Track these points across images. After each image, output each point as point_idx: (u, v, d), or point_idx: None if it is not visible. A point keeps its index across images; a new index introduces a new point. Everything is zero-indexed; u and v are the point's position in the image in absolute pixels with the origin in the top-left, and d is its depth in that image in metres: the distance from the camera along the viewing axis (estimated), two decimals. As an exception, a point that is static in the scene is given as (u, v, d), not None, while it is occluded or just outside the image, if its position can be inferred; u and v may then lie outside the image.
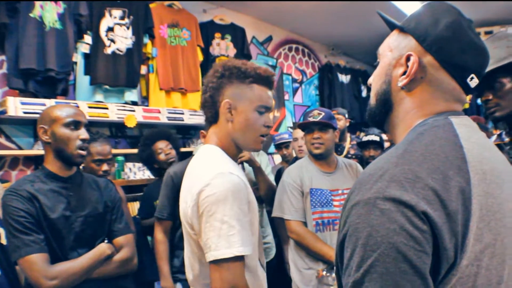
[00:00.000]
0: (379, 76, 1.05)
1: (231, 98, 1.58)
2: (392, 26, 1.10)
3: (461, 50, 0.95)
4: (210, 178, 1.43)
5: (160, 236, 2.76)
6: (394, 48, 1.03)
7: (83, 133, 1.99)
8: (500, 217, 0.83)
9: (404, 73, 0.98)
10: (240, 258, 1.39)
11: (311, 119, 2.76)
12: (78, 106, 3.32)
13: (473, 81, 0.97)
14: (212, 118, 1.63)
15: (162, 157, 3.24)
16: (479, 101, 6.52)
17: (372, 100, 1.07)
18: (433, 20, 0.97)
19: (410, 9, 5.35)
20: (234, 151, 1.64)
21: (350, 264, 0.78)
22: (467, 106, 5.89)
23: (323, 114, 2.77)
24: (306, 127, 2.82)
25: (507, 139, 2.01)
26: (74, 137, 1.97)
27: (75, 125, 1.99)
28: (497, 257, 0.81)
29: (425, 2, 1.06)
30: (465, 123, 0.94)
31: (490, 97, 1.87)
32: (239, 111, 1.58)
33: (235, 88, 1.58)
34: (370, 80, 1.11)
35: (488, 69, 1.79)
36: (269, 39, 6.07)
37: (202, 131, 2.93)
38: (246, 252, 1.39)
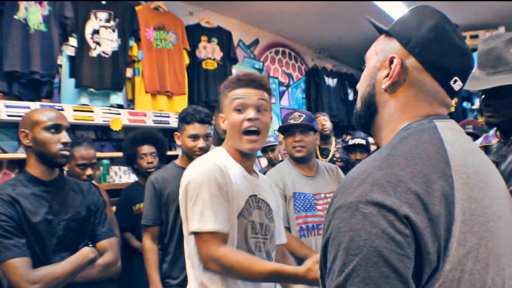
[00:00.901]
0: (365, 79, 1.05)
1: (225, 110, 1.75)
2: (380, 32, 1.09)
3: (444, 53, 0.95)
4: (190, 166, 1.71)
5: (148, 244, 2.69)
6: (380, 52, 1.02)
7: (64, 137, 1.97)
8: (484, 221, 0.83)
9: (388, 75, 0.98)
10: (213, 233, 1.57)
11: (292, 122, 2.71)
12: (63, 109, 3.30)
13: (457, 84, 0.96)
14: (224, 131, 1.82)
15: (144, 163, 3.22)
16: (465, 104, 6.59)
17: (358, 103, 1.07)
18: (417, 23, 0.97)
19: (395, 12, 5.39)
20: (239, 154, 1.75)
21: (333, 268, 0.78)
22: (452, 109, 5.93)
23: (304, 116, 2.72)
24: (287, 129, 2.75)
25: (494, 141, 2.03)
26: (55, 140, 1.95)
27: (56, 128, 1.96)
28: (480, 261, 0.81)
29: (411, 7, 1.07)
30: (450, 127, 0.94)
31: (492, 102, 1.87)
32: (226, 119, 1.73)
33: (223, 100, 1.76)
34: (358, 85, 1.11)
35: (501, 82, 1.79)
36: (256, 42, 6.08)
37: (176, 133, 2.80)
38: (217, 229, 1.56)
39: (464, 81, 0.98)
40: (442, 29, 0.96)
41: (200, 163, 1.69)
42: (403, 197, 0.75)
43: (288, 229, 2.61)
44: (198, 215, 1.58)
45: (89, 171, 2.85)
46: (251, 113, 1.67)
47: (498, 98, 1.85)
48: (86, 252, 1.99)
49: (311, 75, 7.08)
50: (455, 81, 0.96)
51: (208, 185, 1.59)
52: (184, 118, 2.65)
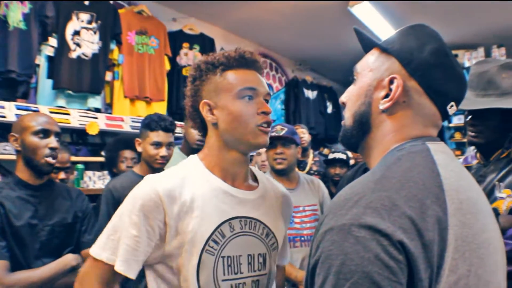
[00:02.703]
0: (358, 96, 1.02)
1: (207, 97, 1.32)
2: (369, 45, 1.07)
3: (445, 77, 0.95)
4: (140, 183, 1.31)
5: None
6: (375, 69, 1.00)
7: (52, 142, 1.96)
8: (475, 247, 0.82)
9: (387, 95, 0.96)
10: (107, 267, 1.22)
11: (274, 134, 2.71)
12: (38, 110, 3.22)
13: (452, 109, 0.97)
14: (202, 128, 1.39)
15: (123, 166, 3.19)
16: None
17: (348, 121, 1.04)
18: (419, 44, 0.96)
19: (377, 26, 5.45)
20: (226, 160, 1.34)
21: None
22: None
23: (286, 129, 2.74)
24: (269, 142, 2.75)
25: (474, 162, 2.04)
26: (43, 145, 1.94)
27: (44, 133, 1.96)
28: None
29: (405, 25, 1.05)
30: (442, 150, 0.93)
31: (477, 123, 1.89)
32: (220, 108, 1.30)
33: (209, 85, 1.33)
34: (343, 99, 1.08)
35: (490, 104, 1.80)
36: (238, 51, 6.05)
37: (138, 139, 2.70)
38: (116, 268, 1.20)
39: (458, 105, 0.98)
40: (444, 53, 0.96)
41: (143, 185, 1.27)
42: (398, 222, 0.74)
43: None
44: (104, 238, 1.26)
45: (62, 175, 2.81)
46: (265, 105, 1.32)
47: (484, 120, 1.87)
48: (68, 259, 1.96)
49: (291, 86, 7.07)
50: (451, 106, 0.96)
51: (131, 210, 1.23)
52: (148, 125, 2.59)
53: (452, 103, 0.96)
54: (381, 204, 0.76)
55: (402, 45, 0.98)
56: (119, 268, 1.20)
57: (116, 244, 1.22)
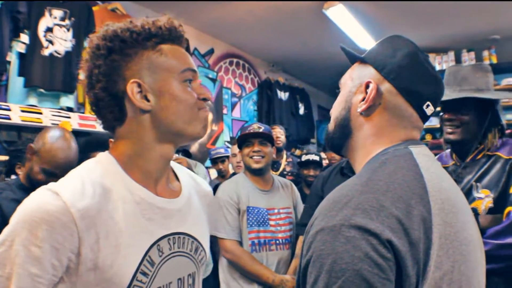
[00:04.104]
0: (339, 103, 1.11)
1: (138, 76, 1.05)
2: (354, 59, 1.15)
3: (417, 78, 1.02)
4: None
5: None
6: (355, 77, 1.09)
7: None
8: (457, 245, 0.86)
9: (364, 99, 1.03)
10: None
11: (251, 131, 2.71)
12: (9, 109, 3.12)
13: (429, 109, 1.03)
14: (115, 120, 1.08)
15: None
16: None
17: (331, 126, 1.13)
18: (392, 51, 1.05)
19: (350, 28, 5.50)
20: (154, 158, 1.09)
21: None
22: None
23: (263, 127, 2.74)
24: (245, 140, 2.74)
25: (450, 162, 2.08)
26: None
27: None
28: (454, 283, 0.84)
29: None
30: (424, 153, 0.99)
31: (454, 117, 1.95)
32: (157, 91, 1.06)
33: (139, 62, 1.06)
34: (331, 110, 1.16)
35: (466, 94, 1.89)
36: (211, 51, 6.02)
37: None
38: None
39: (435, 106, 1.04)
40: (415, 56, 1.03)
41: (44, 201, 0.90)
42: (386, 222, 0.79)
43: (240, 243, 2.61)
44: None
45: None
46: (206, 91, 1.13)
47: (460, 114, 1.94)
48: None
49: (264, 87, 7.09)
50: (428, 105, 1.02)
51: (26, 251, 0.88)
52: None
53: (428, 102, 1.02)
54: (369, 206, 0.81)
55: (377, 54, 1.07)
56: None
57: (5, 283, 0.88)
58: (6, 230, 0.90)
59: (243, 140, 2.75)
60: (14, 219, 0.91)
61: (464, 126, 1.94)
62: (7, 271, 0.88)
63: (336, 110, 1.11)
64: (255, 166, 2.69)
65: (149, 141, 1.07)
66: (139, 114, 1.06)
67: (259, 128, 2.73)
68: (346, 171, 2.44)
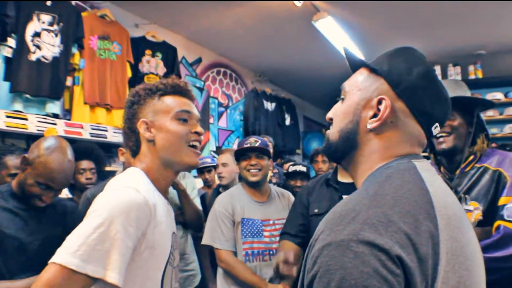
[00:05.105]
0: (345, 114, 1.06)
1: (145, 117, 1.47)
2: (357, 64, 1.12)
3: (431, 100, 1.00)
4: (109, 189, 1.32)
5: None
6: (364, 89, 1.05)
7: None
8: (463, 260, 0.86)
9: (375, 115, 1.01)
10: (88, 280, 1.15)
11: (248, 145, 2.76)
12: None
13: (436, 129, 1.02)
14: (135, 146, 1.50)
15: (82, 179, 3.10)
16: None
17: (334, 136, 1.09)
18: (407, 67, 1.02)
19: (337, 39, 5.52)
20: (165, 176, 1.47)
21: None
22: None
23: (259, 141, 2.79)
24: (243, 153, 2.78)
25: (439, 175, 2.09)
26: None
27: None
28: None
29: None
30: (427, 168, 0.98)
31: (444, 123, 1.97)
32: (158, 127, 1.45)
33: (147, 107, 1.48)
34: (330, 115, 1.13)
35: (453, 95, 1.89)
36: (199, 60, 6.01)
37: (121, 148, 2.81)
38: (111, 280, 1.16)
39: (442, 126, 1.04)
40: (431, 77, 1.02)
41: (132, 193, 1.28)
42: (394, 237, 0.78)
43: (234, 253, 2.68)
44: (88, 249, 1.16)
45: None
46: (198, 127, 1.51)
47: (449, 120, 1.95)
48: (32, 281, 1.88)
49: (250, 97, 7.08)
50: (436, 126, 1.02)
51: (126, 219, 1.22)
52: None
53: (437, 123, 1.02)
54: (377, 220, 0.79)
55: (391, 67, 1.03)
56: (115, 280, 1.16)
57: (104, 255, 1.17)
58: (98, 215, 1.20)
59: (240, 153, 2.80)
60: (105, 207, 1.21)
61: (455, 131, 1.96)
62: (107, 246, 1.17)
63: (341, 121, 1.07)
64: (252, 179, 2.75)
65: (158, 165, 1.45)
66: (147, 144, 1.46)
67: (256, 141, 2.77)
68: (332, 183, 2.45)
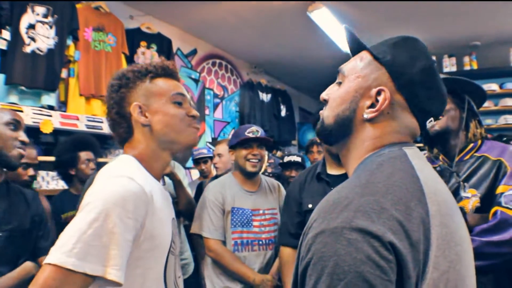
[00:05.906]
0: (342, 100, 1.04)
1: (137, 100, 1.38)
2: (358, 47, 1.10)
3: (430, 97, 1.00)
4: (100, 180, 1.23)
5: None
6: (364, 76, 1.03)
7: (22, 135, 1.82)
8: (453, 245, 0.88)
9: (372, 105, 1.00)
10: (87, 278, 1.08)
11: (251, 135, 2.72)
12: (-10, 107, 3.05)
13: (430, 124, 1.02)
14: (126, 133, 1.41)
15: (86, 169, 3.11)
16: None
17: (329, 119, 1.07)
18: (410, 60, 1.00)
19: (332, 30, 5.51)
20: (159, 160, 1.41)
21: None
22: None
23: (260, 131, 2.77)
24: (243, 143, 2.74)
25: (438, 163, 2.10)
26: (14, 137, 1.79)
27: (15, 126, 1.81)
28: (451, 282, 0.85)
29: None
30: (417, 155, 0.99)
31: None
32: (153, 110, 1.38)
33: (138, 91, 1.39)
34: (325, 96, 1.11)
35: (443, 76, 1.92)
36: (194, 52, 6.00)
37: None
38: (111, 277, 1.10)
39: (435, 120, 1.04)
40: (432, 72, 1.01)
41: (127, 183, 1.20)
42: (387, 224, 0.79)
43: (224, 242, 2.67)
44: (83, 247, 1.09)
45: (31, 172, 2.71)
46: (194, 110, 1.46)
47: None
48: (29, 267, 1.85)
49: (246, 89, 7.09)
50: (430, 121, 1.04)
51: (122, 211, 1.15)
52: None
53: (432, 118, 1.04)
54: (370, 208, 0.80)
55: (394, 58, 1.01)
56: (116, 277, 1.09)
57: (102, 251, 1.09)
58: (93, 209, 1.11)
59: (243, 142, 2.74)
60: (99, 200, 1.13)
61: (446, 113, 1.96)
62: (104, 241, 1.09)
63: (337, 106, 1.05)
64: (252, 169, 2.72)
65: (153, 149, 1.39)
66: (142, 129, 1.39)
67: (258, 131, 2.75)
68: (323, 176, 2.43)
